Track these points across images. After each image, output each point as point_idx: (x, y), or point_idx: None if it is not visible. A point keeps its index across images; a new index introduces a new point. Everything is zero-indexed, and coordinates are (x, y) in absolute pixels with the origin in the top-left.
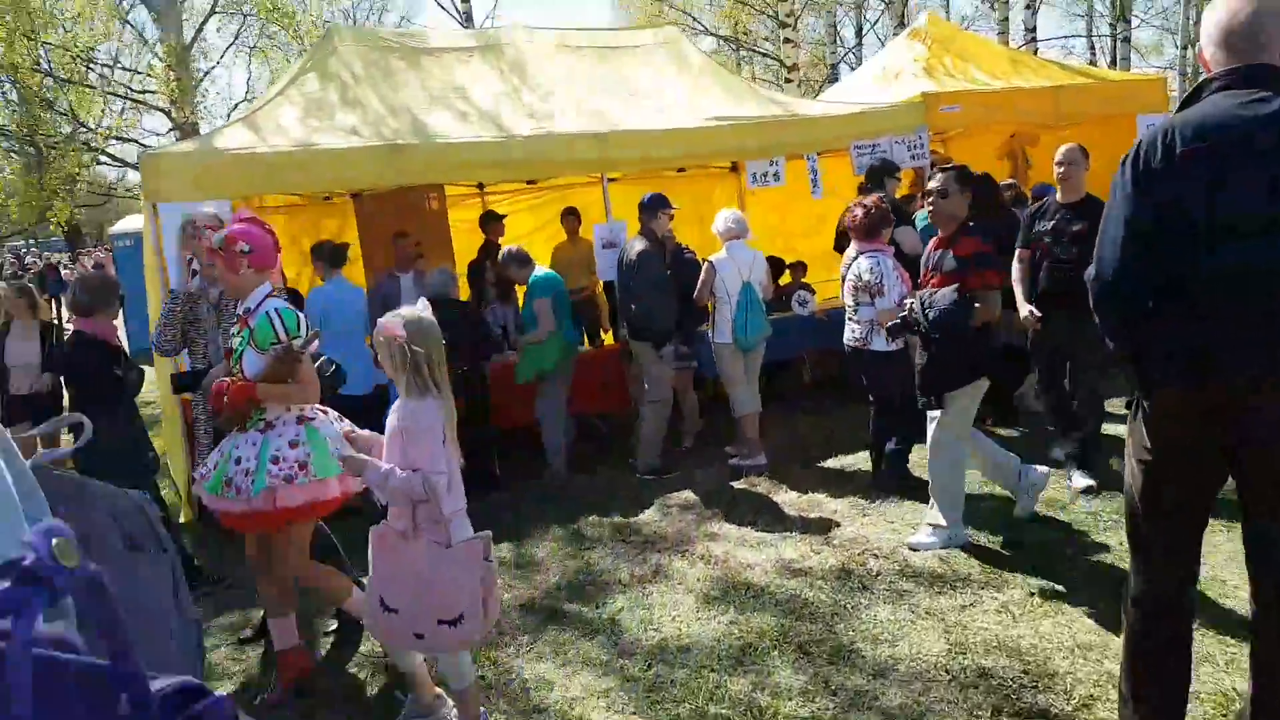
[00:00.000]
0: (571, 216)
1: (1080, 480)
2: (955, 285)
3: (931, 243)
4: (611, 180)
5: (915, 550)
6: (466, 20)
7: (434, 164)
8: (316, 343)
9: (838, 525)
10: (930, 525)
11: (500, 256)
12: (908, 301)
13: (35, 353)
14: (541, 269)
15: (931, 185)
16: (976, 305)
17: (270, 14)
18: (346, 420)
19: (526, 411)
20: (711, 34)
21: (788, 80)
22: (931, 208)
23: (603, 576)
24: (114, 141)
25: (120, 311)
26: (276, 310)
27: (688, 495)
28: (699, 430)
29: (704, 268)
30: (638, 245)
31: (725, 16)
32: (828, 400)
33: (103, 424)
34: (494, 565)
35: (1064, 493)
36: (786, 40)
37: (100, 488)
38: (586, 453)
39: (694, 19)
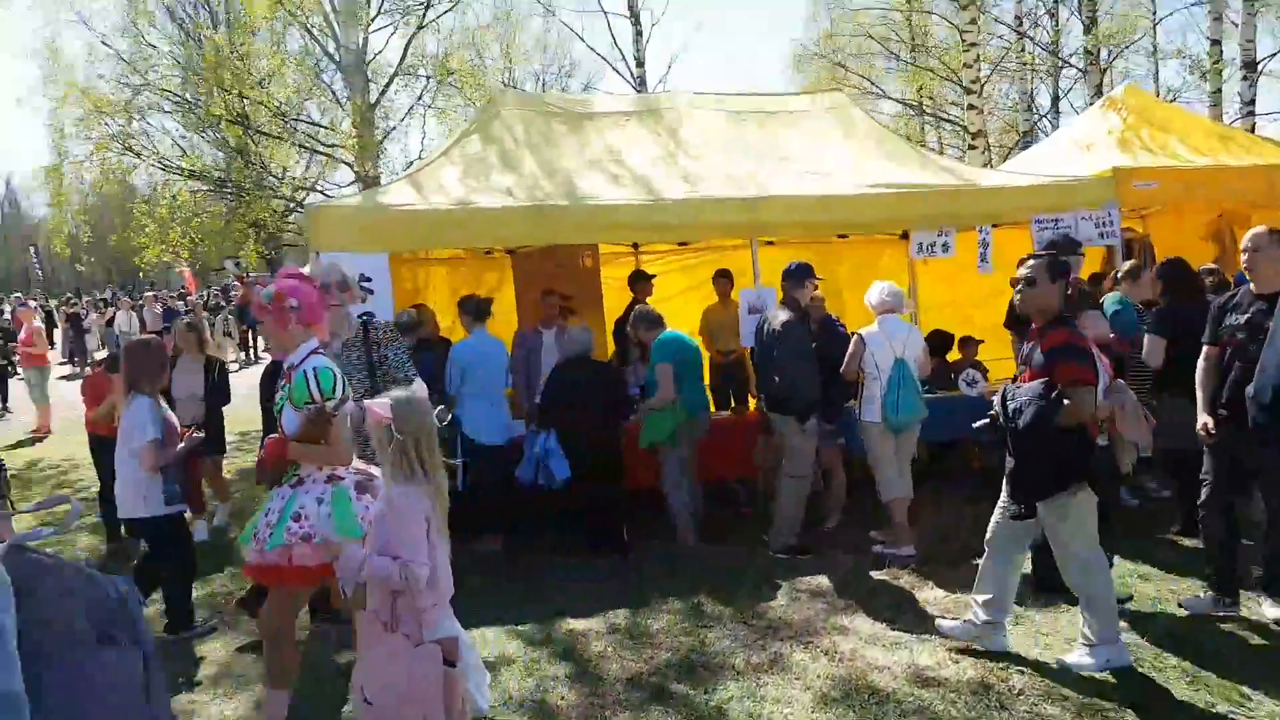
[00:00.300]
0: (724, 279)
1: (1271, 609)
2: (1042, 380)
3: (1030, 333)
4: (769, 244)
5: (1068, 669)
6: (640, 85)
7: (582, 225)
8: (351, 404)
9: None
10: (1086, 643)
11: (631, 317)
12: (993, 398)
13: (200, 385)
14: (672, 331)
15: (1020, 273)
16: (1065, 403)
17: (446, 76)
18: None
19: (658, 474)
20: (893, 99)
21: (971, 147)
22: (1020, 297)
23: (716, 659)
24: (303, 191)
25: None
26: (314, 369)
27: (822, 581)
28: (844, 510)
29: (853, 340)
30: (782, 315)
31: (908, 81)
32: (996, 488)
33: None
34: (459, 671)
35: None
36: (971, 106)
37: (78, 573)
38: (724, 519)
39: (872, 83)
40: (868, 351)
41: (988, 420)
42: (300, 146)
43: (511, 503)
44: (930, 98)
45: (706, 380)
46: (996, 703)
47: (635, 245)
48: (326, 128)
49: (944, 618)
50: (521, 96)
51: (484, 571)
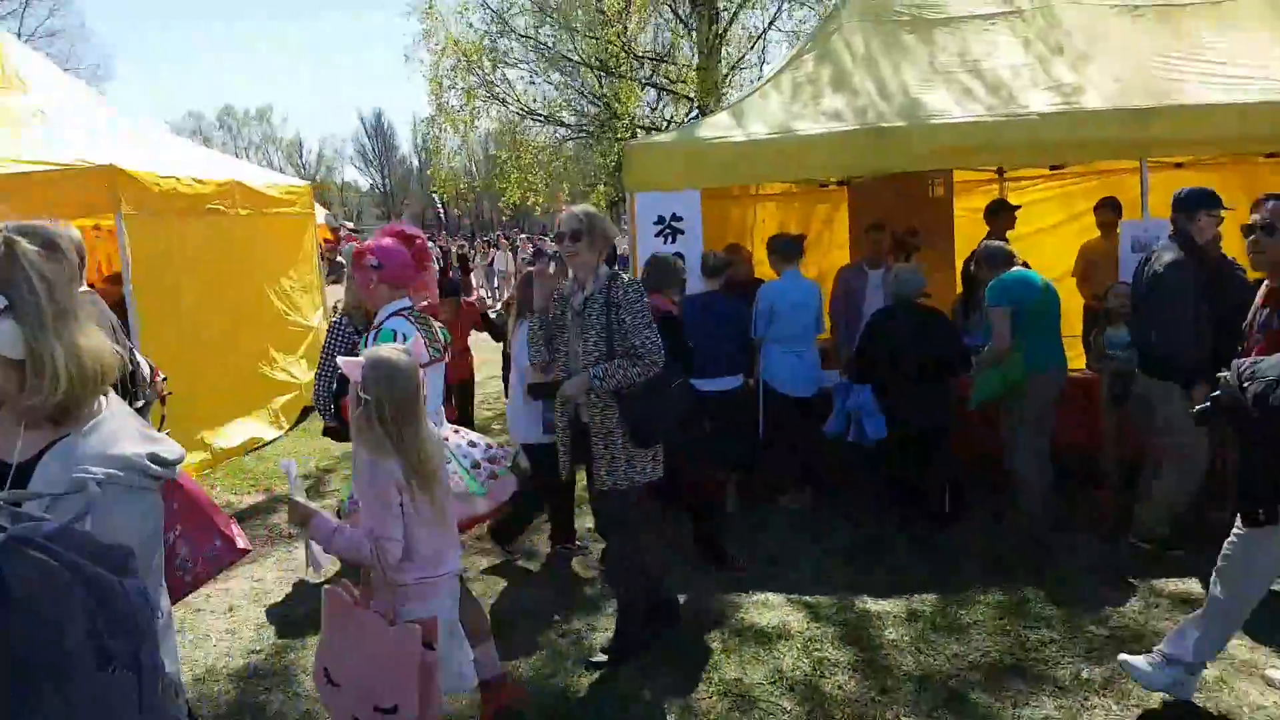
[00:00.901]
0: (1108, 208)
1: None
2: None
3: (1259, 295)
4: (1178, 166)
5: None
6: None
7: (920, 149)
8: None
9: None
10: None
11: (977, 254)
12: (1222, 375)
13: None
14: (1018, 270)
15: (1254, 218)
16: None
17: None
18: (480, 437)
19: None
20: None
21: None
22: (1252, 251)
23: (1036, 668)
24: (646, 130)
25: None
26: (377, 331)
27: (1193, 585)
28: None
29: (1262, 289)
30: (1167, 254)
31: None
32: None
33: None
34: (436, 654)
35: None
36: None
37: (80, 575)
38: (1078, 497)
39: None
40: None
41: (1209, 404)
42: (649, 84)
43: (817, 460)
44: None
45: (1077, 330)
46: None
47: (1000, 171)
48: (669, 62)
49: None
50: (867, 6)
51: (781, 532)
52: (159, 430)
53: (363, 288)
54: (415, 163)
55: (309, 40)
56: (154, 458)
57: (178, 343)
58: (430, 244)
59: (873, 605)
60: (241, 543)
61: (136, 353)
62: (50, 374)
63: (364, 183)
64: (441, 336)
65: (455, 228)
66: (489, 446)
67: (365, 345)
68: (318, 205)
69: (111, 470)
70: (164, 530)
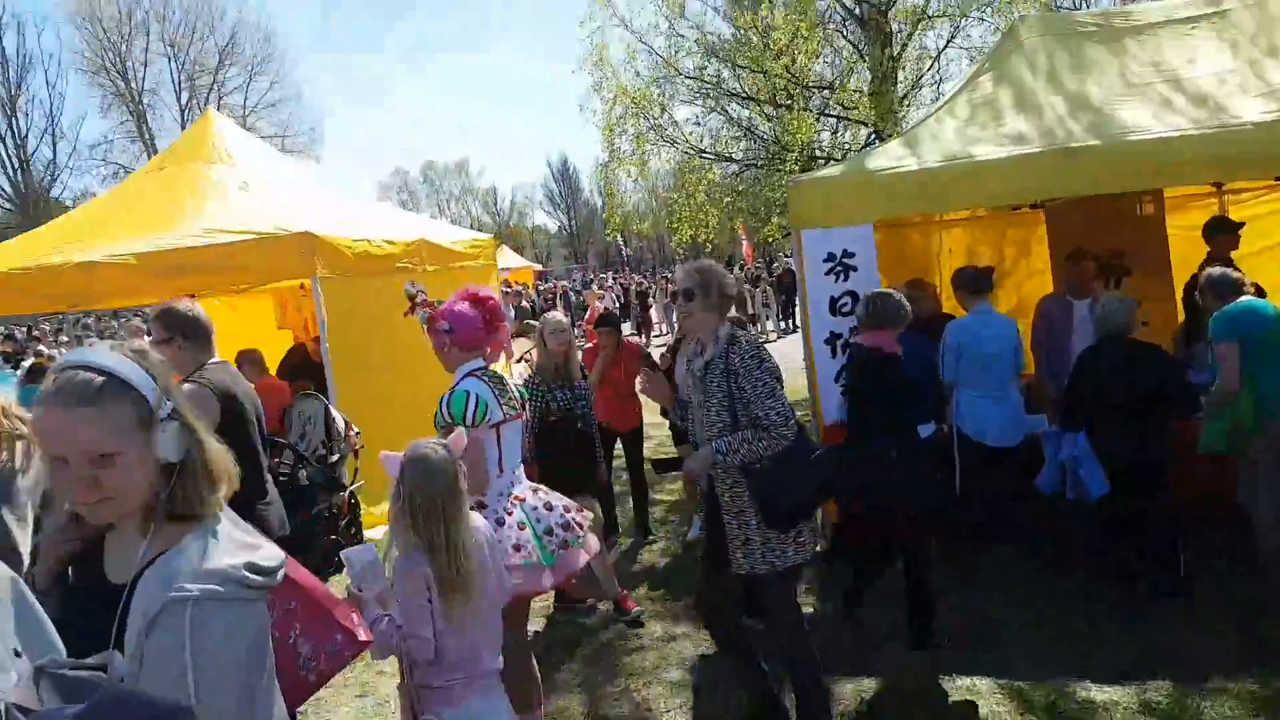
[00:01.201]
0: None
1: None
2: None
3: None
4: None
5: None
6: None
7: (1115, 168)
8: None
9: None
10: None
11: (1200, 281)
12: None
13: None
14: (1245, 299)
15: None
16: None
17: (967, 12)
18: (559, 499)
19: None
20: None
21: None
22: None
23: None
24: (819, 161)
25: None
26: (451, 393)
27: None
28: None
29: None
30: None
31: None
32: None
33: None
34: None
35: None
36: None
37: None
38: None
39: None
40: None
41: None
42: (822, 114)
43: (1020, 514)
44: None
45: None
46: None
47: (1218, 184)
48: (841, 89)
49: None
50: (1048, 19)
51: (985, 598)
52: (353, 481)
53: (438, 351)
54: (598, 202)
55: (502, 93)
56: (252, 567)
57: (370, 397)
58: (611, 281)
59: (1096, 693)
60: (363, 635)
61: (333, 409)
62: (192, 474)
63: (552, 225)
64: (518, 394)
65: (637, 264)
66: (565, 510)
67: (440, 405)
68: (510, 250)
69: (208, 585)
70: (284, 630)
